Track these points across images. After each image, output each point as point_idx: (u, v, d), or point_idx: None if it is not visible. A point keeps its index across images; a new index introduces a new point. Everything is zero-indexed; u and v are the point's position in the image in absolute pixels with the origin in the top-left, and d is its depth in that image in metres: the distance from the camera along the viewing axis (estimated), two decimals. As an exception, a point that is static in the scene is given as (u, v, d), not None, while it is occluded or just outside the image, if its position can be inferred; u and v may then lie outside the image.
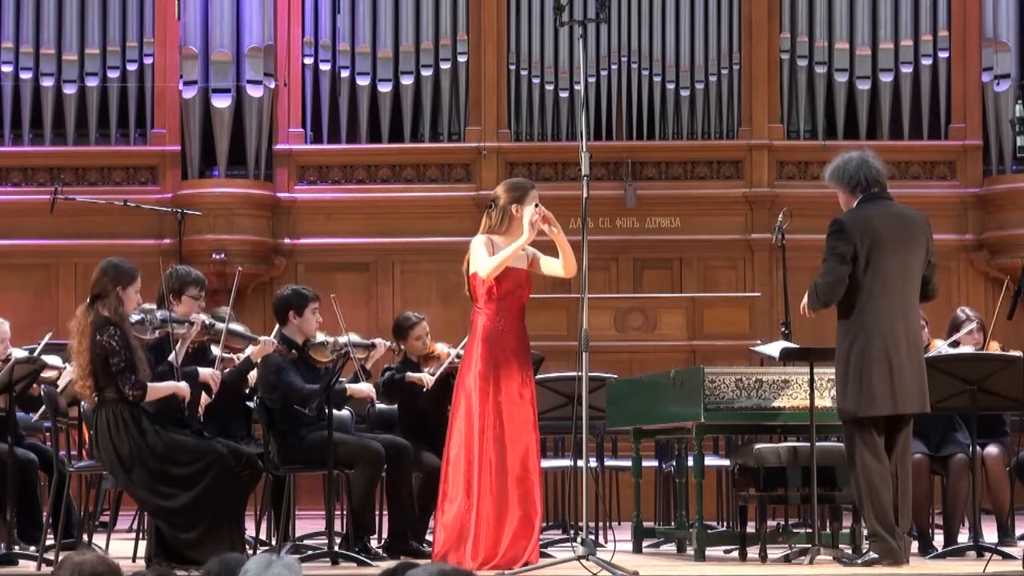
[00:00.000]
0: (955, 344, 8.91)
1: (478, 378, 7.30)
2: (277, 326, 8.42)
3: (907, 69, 14.19)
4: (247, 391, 8.56)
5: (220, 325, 8.05)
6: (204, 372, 7.73)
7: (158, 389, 7.35)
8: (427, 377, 8.66)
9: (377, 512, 8.58)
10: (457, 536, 7.24)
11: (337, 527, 8.09)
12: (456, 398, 7.42)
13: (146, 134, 14.36)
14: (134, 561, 8.00)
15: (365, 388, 8.51)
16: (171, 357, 7.65)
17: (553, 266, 7.44)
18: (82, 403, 7.85)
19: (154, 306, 7.89)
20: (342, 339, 8.33)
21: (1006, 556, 7.80)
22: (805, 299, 7.50)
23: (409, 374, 8.73)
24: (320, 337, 8.36)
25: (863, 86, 14.22)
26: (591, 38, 14.07)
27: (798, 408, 7.82)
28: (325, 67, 14.31)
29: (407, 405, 8.79)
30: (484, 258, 7.31)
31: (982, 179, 14.19)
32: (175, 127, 14.15)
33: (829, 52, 14.27)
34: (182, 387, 7.51)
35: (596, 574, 6.79)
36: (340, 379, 8.18)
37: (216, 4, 14.01)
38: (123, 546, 8.62)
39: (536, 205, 7.36)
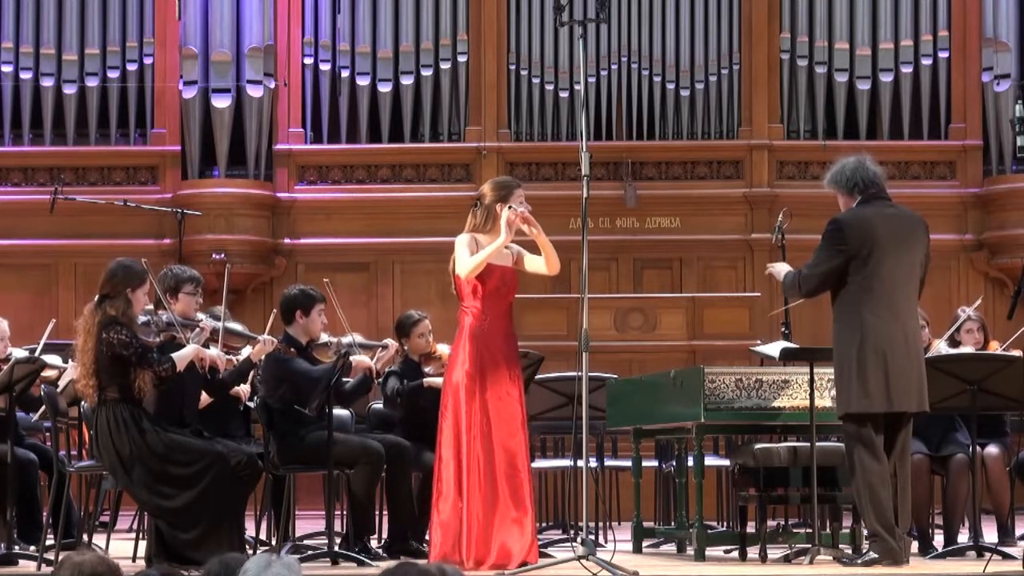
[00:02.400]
0: (954, 342, 8.90)
1: (465, 377, 7.29)
2: (271, 323, 8.41)
3: (907, 69, 14.19)
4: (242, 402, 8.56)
5: (219, 324, 8.04)
6: (212, 353, 7.69)
7: (182, 358, 7.42)
8: None
9: (377, 512, 8.58)
10: (455, 535, 7.24)
11: (337, 527, 8.09)
12: (444, 397, 7.42)
13: (146, 134, 14.36)
14: (134, 561, 8.00)
15: (367, 360, 8.50)
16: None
17: (536, 264, 7.45)
18: (82, 403, 7.85)
19: (151, 307, 7.88)
20: (346, 339, 8.33)
21: (1006, 556, 7.80)
22: (779, 274, 7.59)
23: (428, 379, 8.70)
24: (324, 337, 8.37)
25: (863, 86, 14.22)
26: (591, 38, 14.07)
27: (798, 408, 7.82)
28: (325, 67, 14.31)
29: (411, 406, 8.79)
30: (465, 258, 7.32)
31: (982, 179, 14.18)
32: (175, 127, 14.15)
33: (829, 52, 14.27)
34: (200, 348, 7.57)
35: (596, 574, 6.79)
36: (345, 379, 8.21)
37: (216, 4, 14.01)
38: (123, 546, 8.62)
39: (520, 204, 7.36)
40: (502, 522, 7.20)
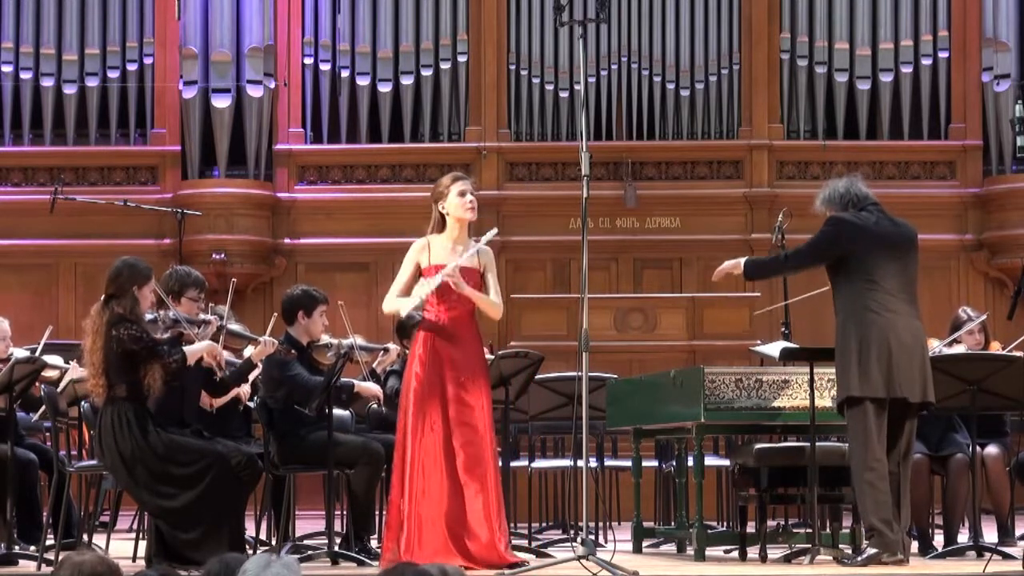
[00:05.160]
0: (952, 341, 8.92)
1: (415, 381, 7.21)
2: (272, 325, 8.41)
3: (907, 69, 14.20)
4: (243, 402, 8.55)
5: (224, 324, 8.02)
6: (203, 346, 7.61)
7: (194, 352, 7.38)
8: None
9: (377, 512, 8.58)
10: (396, 537, 7.14)
11: (337, 527, 8.09)
12: (400, 399, 7.36)
13: (146, 134, 14.37)
14: (134, 561, 8.00)
15: (373, 388, 8.52)
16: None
17: (483, 304, 7.34)
18: (82, 403, 7.84)
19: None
20: (347, 341, 8.32)
21: (1006, 556, 7.80)
22: (733, 267, 7.73)
23: None
24: (325, 339, 8.36)
25: (863, 86, 14.22)
26: (591, 38, 14.07)
27: (798, 408, 7.82)
28: (325, 67, 14.32)
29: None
30: (395, 284, 7.33)
31: (982, 179, 14.19)
32: (175, 127, 14.15)
33: (829, 52, 14.28)
34: (214, 345, 7.51)
35: (596, 574, 6.78)
36: (349, 380, 8.19)
37: (216, 4, 14.01)
38: (123, 546, 8.62)
39: (462, 196, 7.30)
40: (453, 525, 7.08)
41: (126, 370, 7.20)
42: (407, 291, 7.35)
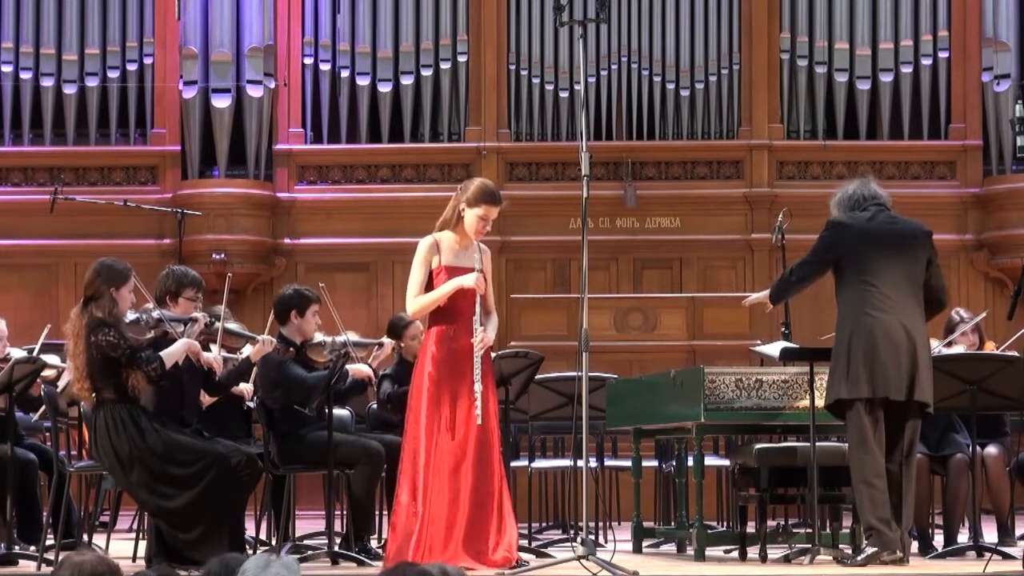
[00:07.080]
0: (949, 346, 8.92)
1: (428, 381, 7.17)
2: (270, 324, 8.41)
3: (907, 69, 14.20)
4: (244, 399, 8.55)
5: (218, 324, 8.01)
6: (206, 356, 7.59)
7: (172, 355, 7.28)
8: None
9: (377, 512, 8.58)
10: (403, 538, 7.13)
11: (337, 527, 8.09)
12: (409, 399, 7.34)
13: (146, 134, 14.37)
14: (134, 561, 8.00)
15: (365, 369, 8.51)
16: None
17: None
18: (82, 403, 7.83)
19: (149, 305, 7.82)
20: (340, 339, 8.32)
21: (1006, 556, 7.81)
22: (762, 295, 7.85)
23: None
24: (319, 337, 8.35)
25: (863, 86, 14.23)
26: (591, 38, 14.08)
27: (798, 408, 7.82)
28: (325, 67, 14.32)
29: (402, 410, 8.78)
30: (415, 285, 7.24)
31: (982, 179, 14.19)
32: (175, 127, 14.16)
33: (829, 52, 14.28)
34: (192, 343, 7.42)
35: (596, 574, 6.78)
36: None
37: (216, 4, 14.02)
38: (123, 546, 8.62)
39: (483, 223, 7.27)
40: (470, 526, 7.07)
41: (109, 373, 7.16)
42: (424, 290, 7.29)
